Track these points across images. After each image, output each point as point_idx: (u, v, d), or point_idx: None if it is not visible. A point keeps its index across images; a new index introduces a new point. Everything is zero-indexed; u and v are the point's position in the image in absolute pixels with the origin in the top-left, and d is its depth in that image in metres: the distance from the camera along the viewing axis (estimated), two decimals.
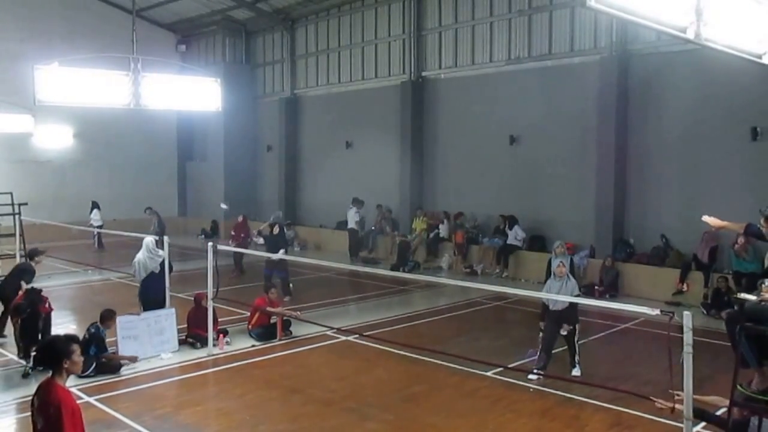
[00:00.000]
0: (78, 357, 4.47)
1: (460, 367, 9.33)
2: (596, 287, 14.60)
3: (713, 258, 13.78)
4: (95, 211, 22.36)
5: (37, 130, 21.55)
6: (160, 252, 10.78)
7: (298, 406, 8.24)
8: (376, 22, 21.50)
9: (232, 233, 17.67)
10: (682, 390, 5.53)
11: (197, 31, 27.14)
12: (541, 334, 9.54)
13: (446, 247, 18.61)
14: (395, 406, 8.21)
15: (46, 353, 4.45)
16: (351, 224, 20.07)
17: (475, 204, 18.42)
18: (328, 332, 11.17)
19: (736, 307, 6.78)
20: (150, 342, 9.99)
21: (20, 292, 9.97)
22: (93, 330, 9.28)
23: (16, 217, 15.14)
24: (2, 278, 11.25)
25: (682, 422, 5.64)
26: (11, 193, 15.68)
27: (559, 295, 9.00)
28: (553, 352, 9.34)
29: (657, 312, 6.04)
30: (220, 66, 25.09)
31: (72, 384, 8.29)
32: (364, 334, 10.97)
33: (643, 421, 7.54)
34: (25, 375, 9.03)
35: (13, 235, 15.33)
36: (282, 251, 14.19)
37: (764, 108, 13.55)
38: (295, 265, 17.32)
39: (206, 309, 10.22)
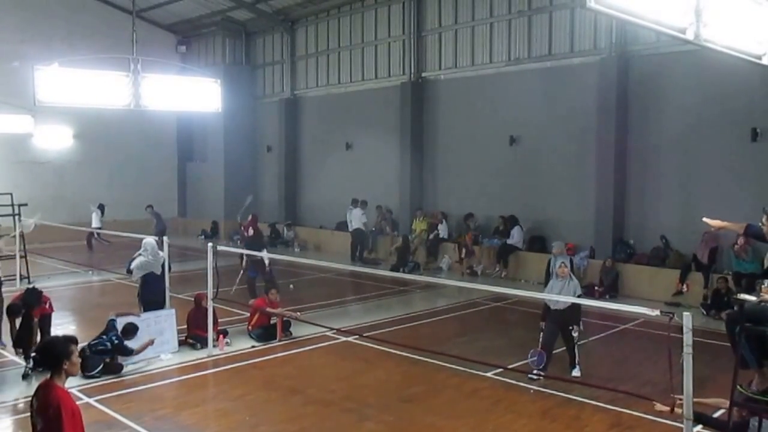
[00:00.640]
0: (76, 358, 4.48)
1: (460, 368, 9.33)
2: (596, 288, 14.61)
3: (713, 259, 13.78)
4: (98, 212, 22.34)
5: (37, 130, 21.57)
6: (161, 253, 10.77)
7: (298, 406, 8.24)
8: (376, 22, 21.51)
9: (242, 230, 17.15)
10: (682, 390, 5.53)
11: (197, 32, 27.16)
12: (541, 334, 9.54)
13: (446, 247, 18.62)
14: (395, 407, 8.21)
15: (46, 354, 4.44)
16: (357, 225, 19.98)
17: (474, 205, 18.40)
18: (328, 333, 11.17)
19: (735, 308, 6.77)
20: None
21: (17, 293, 9.97)
22: (117, 341, 9.29)
23: (16, 217, 15.12)
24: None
25: (682, 423, 5.64)
26: (11, 194, 15.67)
27: (560, 296, 9.01)
28: (553, 352, 9.34)
29: (657, 313, 6.04)
30: (220, 67, 25.11)
31: (74, 384, 8.30)
32: (364, 334, 10.97)
33: (643, 422, 7.54)
34: (25, 376, 9.03)
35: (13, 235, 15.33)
36: (264, 252, 14.01)
37: (764, 109, 13.56)
38: (295, 265, 17.35)
39: (206, 309, 10.22)
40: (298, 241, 22.77)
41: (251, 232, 14.79)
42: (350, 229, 20.30)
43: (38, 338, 9.29)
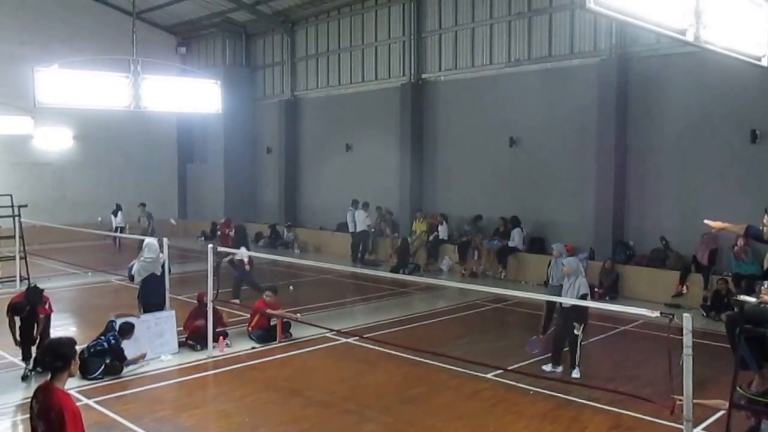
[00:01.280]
0: (77, 360, 4.48)
1: (460, 370, 9.33)
2: (596, 289, 14.57)
3: (713, 260, 13.78)
4: (120, 213, 22.49)
5: (37, 132, 21.60)
6: (161, 255, 10.76)
7: (298, 408, 8.24)
8: (376, 24, 21.52)
9: (218, 233, 16.89)
10: (682, 392, 5.53)
11: (197, 34, 27.18)
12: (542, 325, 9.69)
13: (446, 249, 18.62)
14: (395, 409, 8.21)
15: (54, 355, 4.37)
16: (362, 226, 19.95)
17: (474, 206, 18.40)
18: (328, 334, 11.17)
19: (735, 309, 6.77)
20: (150, 344, 9.98)
21: (17, 293, 9.96)
22: (113, 341, 9.29)
23: (16, 219, 15.12)
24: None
25: (682, 424, 5.64)
26: (11, 195, 15.66)
27: (558, 297, 9.04)
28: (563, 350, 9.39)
29: (657, 314, 6.05)
30: (220, 68, 25.12)
31: (73, 386, 8.30)
32: (364, 336, 10.98)
33: (643, 423, 7.54)
34: (24, 377, 9.03)
35: (13, 237, 15.32)
36: (242, 250, 13.99)
37: (763, 110, 13.57)
38: (295, 267, 17.36)
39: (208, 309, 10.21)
40: (298, 243, 22.76)
41: (232, 233, 14.79)
42: (351, 231, 20.28)
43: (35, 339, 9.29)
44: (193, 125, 27.12)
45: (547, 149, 17.06)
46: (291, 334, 11.27)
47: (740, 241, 12.61)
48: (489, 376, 9.20)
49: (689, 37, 4.89)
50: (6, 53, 21.92)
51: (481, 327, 12.57)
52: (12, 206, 15.21)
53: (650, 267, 14.79)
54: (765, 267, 11.39)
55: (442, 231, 18.71)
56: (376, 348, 10.55)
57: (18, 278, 14.91)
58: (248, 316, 11.55)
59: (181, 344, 10.47)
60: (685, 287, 13.87)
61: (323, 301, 14.33)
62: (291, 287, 15.25)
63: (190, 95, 12.18)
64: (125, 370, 9.36)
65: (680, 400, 5.52)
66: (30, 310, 9.31)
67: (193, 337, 10.58)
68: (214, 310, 10.33)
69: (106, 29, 23.42)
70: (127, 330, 9.53)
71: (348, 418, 7.95)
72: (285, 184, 24.66)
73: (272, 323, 11.14)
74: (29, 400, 4.54)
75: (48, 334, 9.32)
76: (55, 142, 24.31)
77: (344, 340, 11.13)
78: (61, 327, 11.03)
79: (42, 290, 9.76)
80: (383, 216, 20.52)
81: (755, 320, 5.51)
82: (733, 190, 13.82)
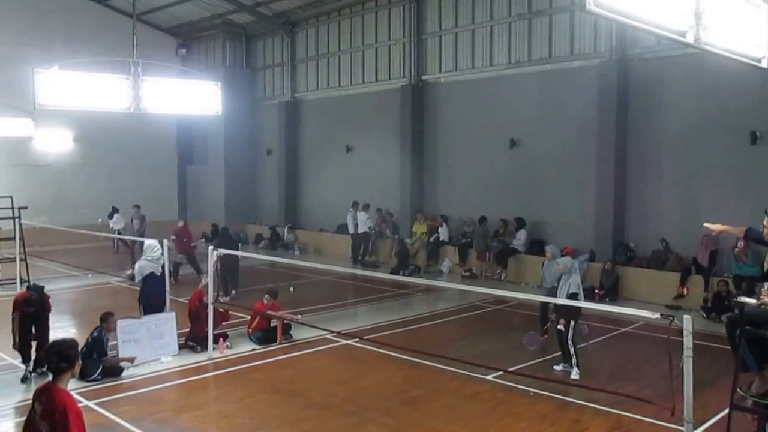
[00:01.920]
0: (80, 362, 4.49)
1: (460, 371, 9.32)
2: (596, 291, 14.59)
3: (713, 262, 13.78)
4: (116, 215, 22.29)
5: (37, 133, 21.56)
6: (161, 257, 10.78)
7: (299, 409, 8.23)
8: (376, 25, 21.52)
9: (173, 238, 16.79)
10: (683, 393, 5.53)
11: (197, 35, 27.19)
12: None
13: (447, 250, 18.61)
14: (395, 410, 8.21)
15: (59, 357, 4.35)
16: (364, 228, 19.95)
17: (475, 207, 18.40)
18: (328, 336, 11.17)
19: (736, 311, 6.77)
20: (150, 345, 9.99)
21: (19, 293, 9.95)
22: (96, 334, 9.29)
23: (16, 220, 15.12)
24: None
25: (682, 425, 5.64)
26: (11, 197, 15.66)
27: (555, 298, 9.08)
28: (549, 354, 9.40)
29: (657, 316, 6.05)
30: (220, 70, 25.11)
31: (72, 387, 8.26)
32: (365, 337, 10.98)
33: (643, 425, 7.53)
34: (24, 379, 9.02)
35: (13, 239, 15.32)
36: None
37: (763, 112, 13.57)
38: (296, 268, 17.37)
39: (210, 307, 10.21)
40: (298, 244, 22.77)
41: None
42: (351, 232, 20.27)
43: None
44: (193, 127, 27.12)
45: (547, 151, 17.06)
46: (291, 336, 11.27)
47: (740, 243, 12.60)
48: (489, 377, 9.20)
49: (689, 39, 4.90)
50: (6, 55, 21.93)
51: (481, 328, 12.56)
52: (12, 208, 15.21)
53: (651, 269, 14.78)
54: (765, 269, 11.35)
55: (443, 232, 18.71)
56: (377, 349, 10.54)
57: (18, 280, 14.90)
58: (248, 317, 11.54)
59: (181, 346, 10.46)
60: (685, 289, 13.86)
61: (323, 302, 14.32)
62: (291, 289, 15.25)
63: (190, 97, 12.19)
64: (125, 372, 9.36)
65: None
66: (40, 306, 9.28)
67: (193, 339, 10.58)
68: (215, 310, 10.33)
69: (106, 31, 23.42)
70: (104, 319, 9.45)
71: (348, 419, 7.94)
72: (285, 185, 24.66)
73: (272, 325, 11.14)
74: (29, 401, 4.53)
75: (47, 334, 9.31)
76: (56, 143, 24.26)
77: (344, 341, 11.12)
78: (62, 329, 11.04)
79: (43, 286, 9.79)
80: (384, 217, 20.52)
81: (756, 322, 5.52)
82: (733, 191, 13.83)
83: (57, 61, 10.49)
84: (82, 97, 10.54)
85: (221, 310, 10.89)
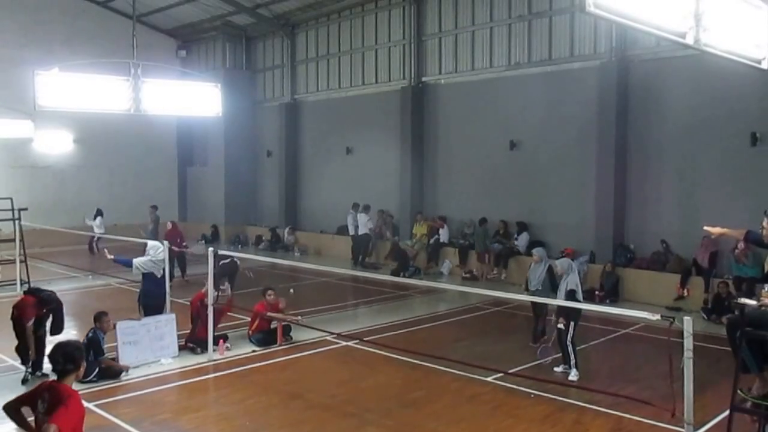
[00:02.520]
0: (84, 364, 4.51)
1: (461, 373, 9.31)
2: (597, 292, 14.58)
3: (713, 263, 13.78)
4: (98, 218, 22.18)
5: (38, 135, 21.54)
6: (163, 257, 10.77)
7: (299, 411, 8.23)
8: (376, 27, 21.53)
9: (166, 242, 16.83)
10: (683, 395, 5.52)
11: (197, 37, 27.20)
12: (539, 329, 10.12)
13: (447, 252, 18.61)
14: (395, 412, 8.20)
15: (65, 359, 4.35)
16: (365, 230, 19.95)
17: (475, 209, 18.40)
18: (328, 337, 11.16)
19: (736, 313, 6.77)
20: (150, 347, 9.97)
21: (20, 296, 9.94)
22: (91, 334, 9.28)
23: (16, 222, 15.12)
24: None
25: (683, 427, 5.63)
26: (11, 199, 15.67)
27: (557, 300, 9.06)
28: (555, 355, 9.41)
29: (657, 317, 6.05)
30: (220, 71, 25.11)
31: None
32: (365, 339, 10.98)
33: (643, 426, 7.52)
34: (24, 381, 9.01)
35: (13, 240, 15.32)
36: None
37: (763, 113, 13.57)
38: (296, 270, 17.36)
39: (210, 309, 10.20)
40: (299, 246, 22.76)
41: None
42: (351, 234, 20.28)
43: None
44: (193, 128, 27.10)
45: (547, 152, 17.06)
46: (291, 338, 11.26)
47: (741, 245, 12.59)
48: (489, 379, 9.19)
49: (689, 40, 4.90)
50: (6, 56, 21.93)
51: (481, 330, 12.55)
52: (12, 209, 15.19)
53: (651, 270, 14.78)
54: (765, 270, 11.34)
55: (443, 234, 18.71)
56: (377, 351, 10.53)
57: (18, 282, 14.90)
58: (249, 319, 11.53)
59: (181, 347, 10.45)
60: (685, 290, 13.86)
61: (324, 304, 14.32)
62: (291, 290, 15.21)
63: (190, 98, 12.17)
64: (124, 373, 9.34)
65: None
66: (55, 306, 9.27)
67: (194, 341, 10.57)
68: (215, 309, 10.32)
69: (106, 32, 23.44)
70: (98, 318, 9.43)
71: (348, 421, 7.94)
72: (285, 187, 24.65)
73: (273, 326, 11.13)
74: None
75: (45, 334, 9.31)
76: (56, 145, 24.28)
77: (345, 343, 11.11)
78: (63, 330, 10.98)
79: (37, 288, 9.79)
80: (384, 219, 20.52)
81: (756, 323, 5.51)
82: (733, 192, 13.83)
83: (57, 63, 10.48)
84: (82, 98, 10.53)
85: (222, 304, 10.89)
